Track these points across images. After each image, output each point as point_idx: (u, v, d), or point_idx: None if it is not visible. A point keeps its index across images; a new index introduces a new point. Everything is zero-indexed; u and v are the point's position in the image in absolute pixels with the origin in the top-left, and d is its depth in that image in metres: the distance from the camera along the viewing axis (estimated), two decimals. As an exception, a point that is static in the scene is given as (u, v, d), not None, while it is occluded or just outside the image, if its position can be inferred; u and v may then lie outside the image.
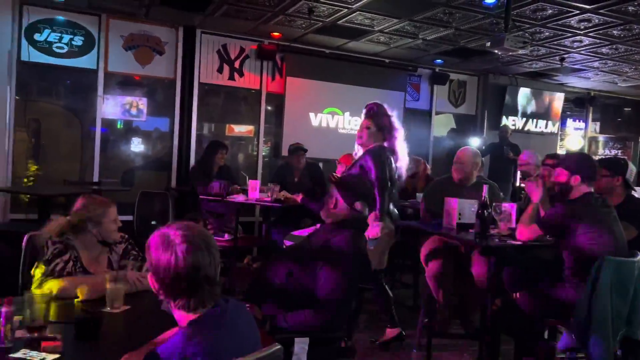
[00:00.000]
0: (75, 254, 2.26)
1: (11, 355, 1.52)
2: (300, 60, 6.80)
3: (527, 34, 5.55)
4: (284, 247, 4.11)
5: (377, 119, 3.38)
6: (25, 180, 5.76)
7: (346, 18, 5.46)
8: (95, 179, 5.88)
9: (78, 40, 5.78)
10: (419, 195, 4.58)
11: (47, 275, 2.18)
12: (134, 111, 6.22)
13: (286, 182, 5.17)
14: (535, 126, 8.53)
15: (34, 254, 2.47)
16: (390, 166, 3.33)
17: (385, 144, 3.37)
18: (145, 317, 2.01)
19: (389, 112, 3.43)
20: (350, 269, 2.38)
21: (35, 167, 5.80)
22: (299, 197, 4.46)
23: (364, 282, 3.19)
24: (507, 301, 2.98)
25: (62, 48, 5.72)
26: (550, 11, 4.89)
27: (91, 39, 5.84)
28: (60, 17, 5.70)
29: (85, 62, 5.84)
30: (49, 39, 5.65)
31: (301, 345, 2.09)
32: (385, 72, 7.29)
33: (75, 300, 2.05)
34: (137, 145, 6.37)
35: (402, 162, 3.44)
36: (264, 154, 6.90)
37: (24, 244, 2.54)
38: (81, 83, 5.96)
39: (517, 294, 2.91)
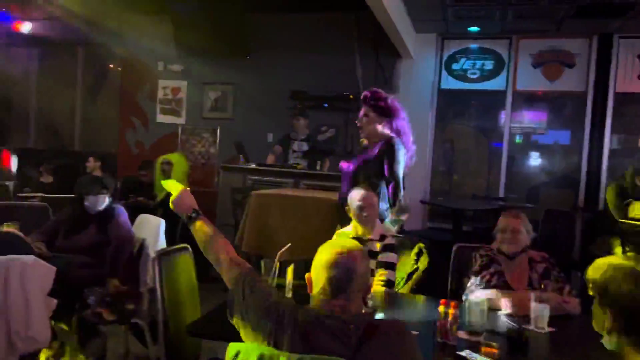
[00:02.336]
0: (499, 268, 2.45)
1: (458, 352, 1.78)
2: None
3: None
4: None
5: (372, 103, 3.24)
6: (441, 193, 6.54)
7: None
8: (501, 194, 6.14)
9: (489, 65, 6.20)
10: None
11: (478, 285, 2.43)
12: (538, 127, 6.25)
13: None
14: None
15: (461, 263, 2.81)
16: None
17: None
18: (571, 342, 2.00)
19: (384, 95, 3.29)
20: None
21: (449, 182, 6.53)
22: None
23: None
24: None
25: (474, 73, 6.25)
26: None
27: (501, 62, 6.16)
28: (474, 45, 6.24)
29: (494, 84, 6.20)
30: (464, 67, 6.27)
31: None
32: None
33: (500, 311, 2.22)
34: (541, 161, 6.34)
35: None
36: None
37: (452, 253, 2.92)
38: (490, 104, 6.37)
39: None
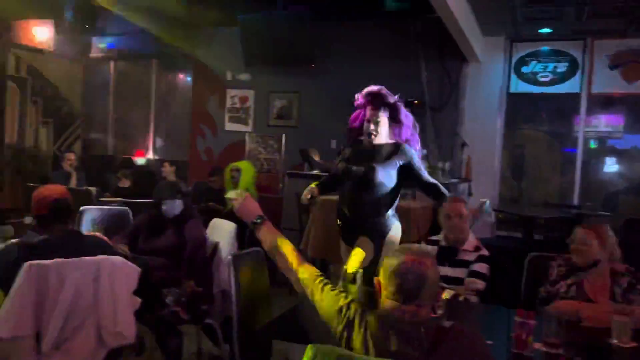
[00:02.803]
0: (577, 279, 2.36)
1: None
2: None
3: None
4: None
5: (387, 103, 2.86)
6: (509, 200, 6.34)
7: None
8: (575, 202, 5.88)
9: (562, 67, 5.96)
10: None
11: (551, 295, 2.36)
12: (614, 131, 5.94)
13: None
14: None
15: (535, 273, 2.72)
16: None
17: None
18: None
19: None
20: None
21: (518, 189, 6.32)
22: None
23: None
24: None
25: (546, 77, 6.03)
26: None
27: (574, 64, 5.91)
28: (545, 48, 6.02)
29: (568, 87, 5.95)
30: (534, 70, 6.07)
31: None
32: None
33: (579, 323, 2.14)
34: (618, 167, 6.02)
35: None
36: None
37: (526, 262, 2.84)
38: (563, 107, 6.12)
39: None
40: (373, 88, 2.88)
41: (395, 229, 2.87)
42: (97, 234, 2.72)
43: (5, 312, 1.97)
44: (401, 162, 2.80)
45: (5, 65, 7.26)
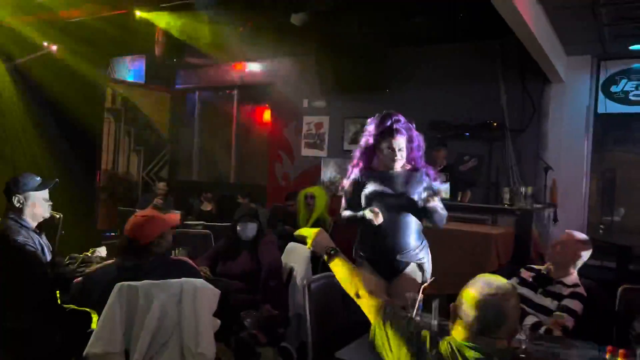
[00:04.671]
0: (678, 316, 2.17)
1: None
2: None
3: None
4: None
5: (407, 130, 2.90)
6: (602, 227, 5.93)
7: None
8: (676, 230, 5.40)
9: (655, 85, 5.57)
10: None
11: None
12: None
13: None
14: None
15: (630, 307, 2.53)
16: None
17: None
18: None
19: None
20: None
21: (610, 216, 5.90)
22: None
23: None
24: None
25: (638, 95, 5.65)
26: None
27: (671, 81, 5.50)
28: (637, 65, 5.66)
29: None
30: (625, 89, 5.71)
31: None
32: None
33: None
34: None
35: None
36: None
37: (618, 294, 2.65)
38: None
39: None
40: (392, 114, 2.95)
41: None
42: (184, 258, 2.84)
43: (99, 330, 2.12)
44: (423, 187, 2.88)
45: (104, 98, 7.92)
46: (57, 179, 3.06)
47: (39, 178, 2.94)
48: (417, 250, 2.87)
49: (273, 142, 7.92)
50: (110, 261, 2.46)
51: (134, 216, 2.45)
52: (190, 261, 2.59)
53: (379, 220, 2.72)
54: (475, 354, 1.40)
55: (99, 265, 2.55)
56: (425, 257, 2.92)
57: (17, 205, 2.81)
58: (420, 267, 2.89)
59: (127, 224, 2.43)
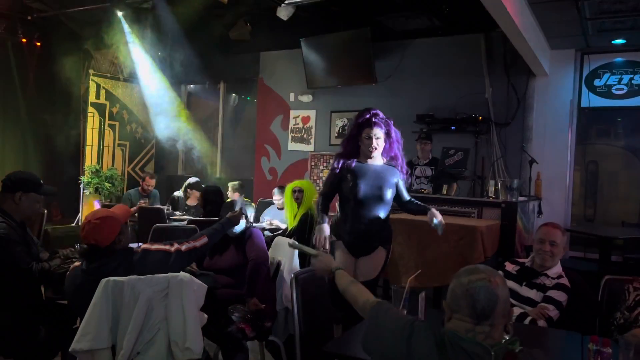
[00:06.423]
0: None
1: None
2: None
3: None
4: None
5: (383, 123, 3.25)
6: (583, 219, 6.03)
7: None
8: (657, 221, 5.50)
9: (638, 79, 5.65)
10: None
11: (628, 321, 2.22)
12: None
13: None
14: None
15: (610, 297, 2.57)
16: None
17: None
18: None
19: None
20: None
21: (593, 208, 5.99)
22: None
23: None
24: None
25: (621, 89, 5.73)
26: None
27: (654, 75, 5.59)
28: (619, 59, 5.74)
29: (645, 99, 5.63)
30: (608, 83, 5.78)
31: None
32: None
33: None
34: None
35: None
36: None
37: (601, 285, 2.69)
38: (640, 121, 5.78)
39: None
40: (372, 109, 3.26)
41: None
42: (145, 245, 2.69)
43: (85, 325, 2.09)
44: (395, 181, 3.31)
45: (87, 92, 7.81)
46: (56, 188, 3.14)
47: (41, 180, 2.93)
48: (384, 234, 3.31)
49: (259, 137, 7.89)
50: (77, 263, 2.39)
51: (87, 221, 2.30)
52: (154, 246, 2.46)
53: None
54: (472, 346, 1.41)
55: (68, 273, 2.46)
56: (389, 240, 3.37)
57: (16, 201, 2.76)
58: (387, 249, 3.32)
59: (81, 230, 2.30)
